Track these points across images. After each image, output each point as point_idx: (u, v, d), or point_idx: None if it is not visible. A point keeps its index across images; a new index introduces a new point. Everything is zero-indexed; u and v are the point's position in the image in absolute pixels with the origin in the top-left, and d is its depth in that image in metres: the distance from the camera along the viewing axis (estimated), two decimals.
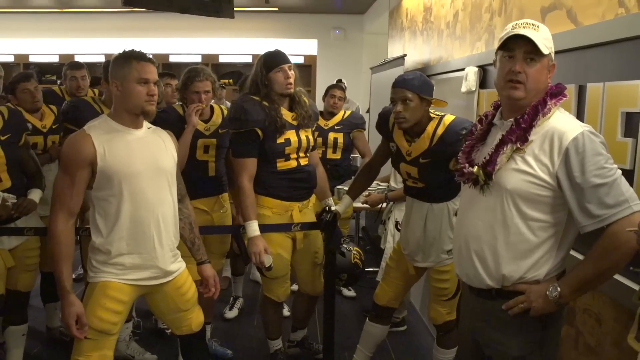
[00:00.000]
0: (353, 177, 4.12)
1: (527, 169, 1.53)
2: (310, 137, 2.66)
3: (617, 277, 1.72)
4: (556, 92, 1.58)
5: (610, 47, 1.79)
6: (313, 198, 2.78)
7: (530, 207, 1.55)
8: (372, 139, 5.65)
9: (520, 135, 1.55)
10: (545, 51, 1.51)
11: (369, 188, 3.45)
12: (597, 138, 1.48)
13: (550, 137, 1.51)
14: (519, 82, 1.53)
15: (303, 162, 2.63)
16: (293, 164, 2.59)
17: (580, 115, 1.95)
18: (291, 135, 2.55)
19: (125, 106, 2.02)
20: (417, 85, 2.26)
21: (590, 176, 1.44)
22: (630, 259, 1.45)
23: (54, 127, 3.18)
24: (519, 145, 1.55)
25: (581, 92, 1.96)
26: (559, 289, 1.51)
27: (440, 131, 2.28)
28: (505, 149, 1.57)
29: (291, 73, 2.51)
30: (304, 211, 2.67)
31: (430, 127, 2.30)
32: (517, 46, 1.53)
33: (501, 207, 1.58)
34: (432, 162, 2.30)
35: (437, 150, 2.28)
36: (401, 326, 3.58)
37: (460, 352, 1.94)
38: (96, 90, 4.01)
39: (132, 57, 2.00)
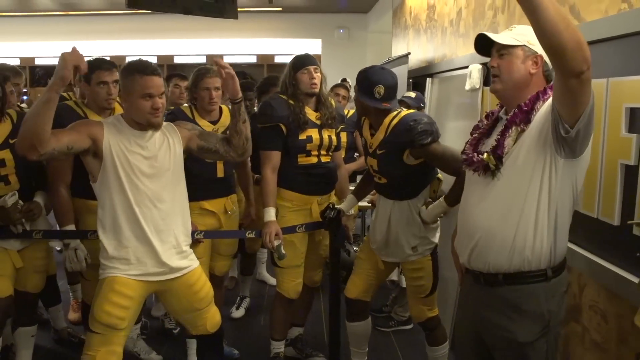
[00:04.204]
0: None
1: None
2: (333, 137, 2.78)
3: (621, 272, 1.72)
4: None
5: (613, 43, 1.79)
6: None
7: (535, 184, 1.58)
8: None
9: (523, 117, 1.61)
10: (511, 42, 1.62)
11: None
12: None
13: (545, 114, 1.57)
14: (496, 75, 1.68)
15: (324, 159, 2.75)
16: (313, 160, 2.71)
17: None
18: (313, 132, 2.68)
19: (131, 116, 2.10)
20: (358, 79, 2.44)
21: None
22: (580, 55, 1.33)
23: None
24: (522, 127, 1.60)
25: None
26: None
27: (394, 122, 2.39)
28: (510, 131, 1.62)
29: (317, 75, 2.66)
30: (324, 205, 2.76)
31: (387, 120, 2.41)
32: (492, 47, 1.70)
33: (517, 188, 1.60)
34: (386, 153, 2.41)
35: (389, 140, 2.39)
36: (407, 325, 3.58)
37: (460, 351, 1.93)
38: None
39: (135, 71, 2.04)
